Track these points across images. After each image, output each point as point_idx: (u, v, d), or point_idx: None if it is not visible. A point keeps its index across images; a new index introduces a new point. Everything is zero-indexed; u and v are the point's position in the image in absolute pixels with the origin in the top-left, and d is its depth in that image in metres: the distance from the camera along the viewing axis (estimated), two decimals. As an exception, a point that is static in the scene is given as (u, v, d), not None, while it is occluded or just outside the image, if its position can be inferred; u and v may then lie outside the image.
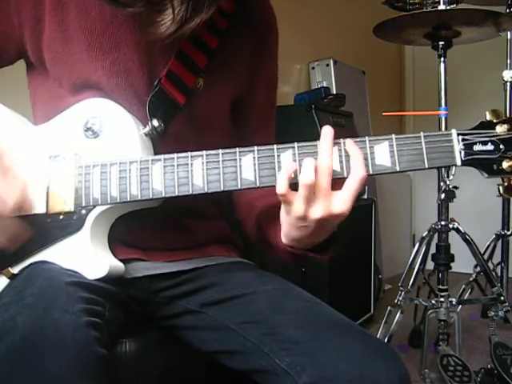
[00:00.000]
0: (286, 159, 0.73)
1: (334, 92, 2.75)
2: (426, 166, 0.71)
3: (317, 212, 0.71)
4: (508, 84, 2.06)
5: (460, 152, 0.70)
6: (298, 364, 0.73)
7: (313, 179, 0.70)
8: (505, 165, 0.70)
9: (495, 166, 0.70)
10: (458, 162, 0.70)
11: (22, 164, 0.81)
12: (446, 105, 1.79)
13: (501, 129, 0.70)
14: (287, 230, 0.77)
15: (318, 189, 0.70)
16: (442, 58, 1.78)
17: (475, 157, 0.70)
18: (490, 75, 2.40)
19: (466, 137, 0.70)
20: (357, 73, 3.12)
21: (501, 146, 0.70)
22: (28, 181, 0.81)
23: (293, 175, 0.71)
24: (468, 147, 0.70)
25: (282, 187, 0.71)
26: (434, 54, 1.80)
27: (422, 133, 0.71)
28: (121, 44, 0.85)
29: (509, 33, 2.15)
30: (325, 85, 2.81)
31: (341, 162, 0.73)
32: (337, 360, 0.71)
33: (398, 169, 0.72)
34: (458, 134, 0.71)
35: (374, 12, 2.24)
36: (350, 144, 0.73)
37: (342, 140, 0.73)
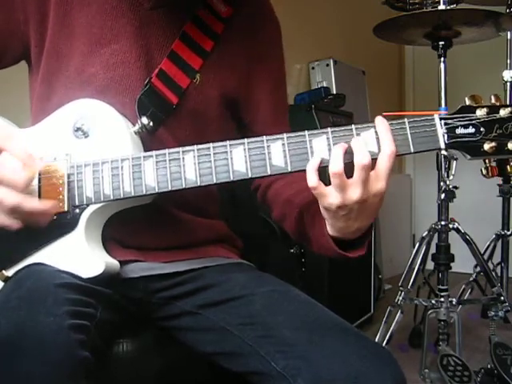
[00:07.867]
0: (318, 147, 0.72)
1: (334, 92, 2.75)
2: (412, 151, 0.73)
3: (354, 195, 0.70)
4: (508, 84, 2.06)
5: (443, 136, 0.72)
6: (294, 367, 0.73)
7: (341, 168, 0.69)
8: (486, 147, 0.72)
9: (477, 148, 0.72)
10: (442, 145, 0.72)
11: None
12: (445, 105, 1.79)
13: (480, 112, 0.72)
14: (332, 222, 0.75)
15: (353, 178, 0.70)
16: (442, 58, 1.78)
17: (458, 140, 0.72)
18: (490, 75, 2.39)
19: (448, 121, 0.72)
20: (357, 73, 3.12)
21: (481, 129, 0.72)
22: None
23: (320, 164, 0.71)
24: (451, 131, 0.72)
25: (311, 180, 0.71)
26: (434, 54, 1.80)
27: (406, 119, 0.73)
28: (119, 36, 0.85)
29: (509, 33, 2.15)
30: (325, 85, 2.80)
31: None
32: (332, 363, 0.71)
33: None
34: (441, 119, 0.72)
35: (374, 12, 2.24)
36: (378, 121, 0.72)
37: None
